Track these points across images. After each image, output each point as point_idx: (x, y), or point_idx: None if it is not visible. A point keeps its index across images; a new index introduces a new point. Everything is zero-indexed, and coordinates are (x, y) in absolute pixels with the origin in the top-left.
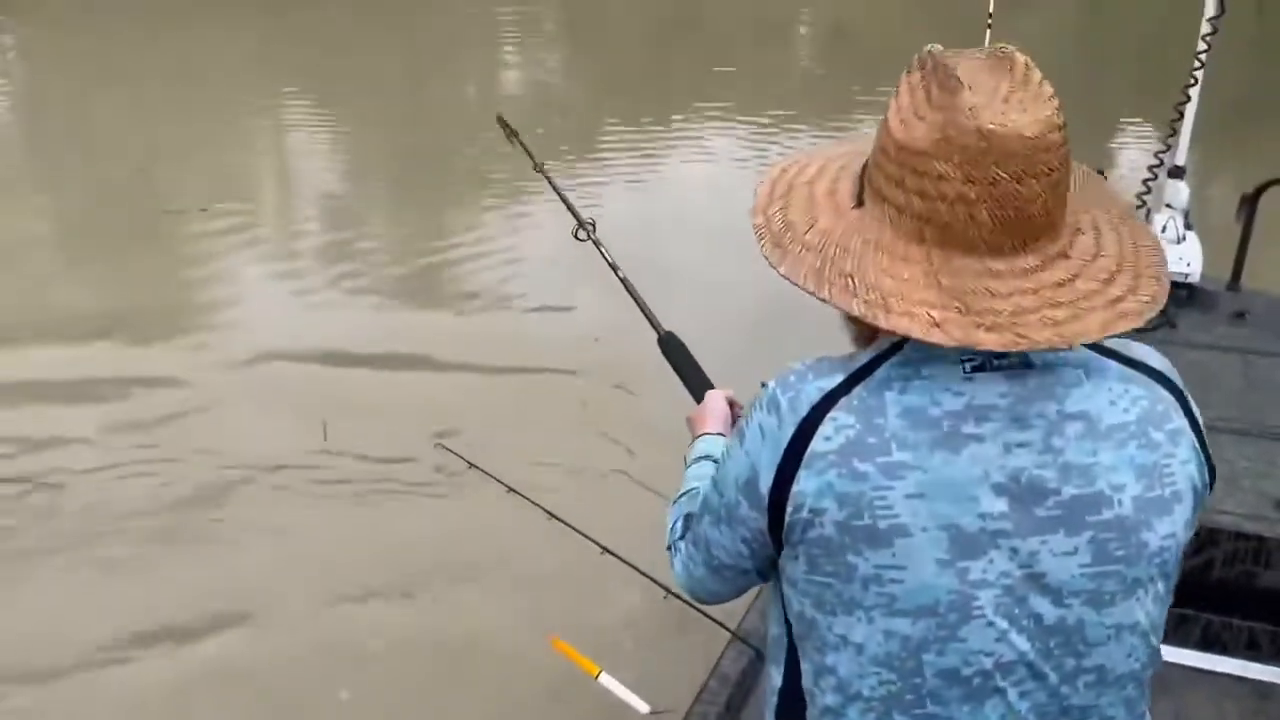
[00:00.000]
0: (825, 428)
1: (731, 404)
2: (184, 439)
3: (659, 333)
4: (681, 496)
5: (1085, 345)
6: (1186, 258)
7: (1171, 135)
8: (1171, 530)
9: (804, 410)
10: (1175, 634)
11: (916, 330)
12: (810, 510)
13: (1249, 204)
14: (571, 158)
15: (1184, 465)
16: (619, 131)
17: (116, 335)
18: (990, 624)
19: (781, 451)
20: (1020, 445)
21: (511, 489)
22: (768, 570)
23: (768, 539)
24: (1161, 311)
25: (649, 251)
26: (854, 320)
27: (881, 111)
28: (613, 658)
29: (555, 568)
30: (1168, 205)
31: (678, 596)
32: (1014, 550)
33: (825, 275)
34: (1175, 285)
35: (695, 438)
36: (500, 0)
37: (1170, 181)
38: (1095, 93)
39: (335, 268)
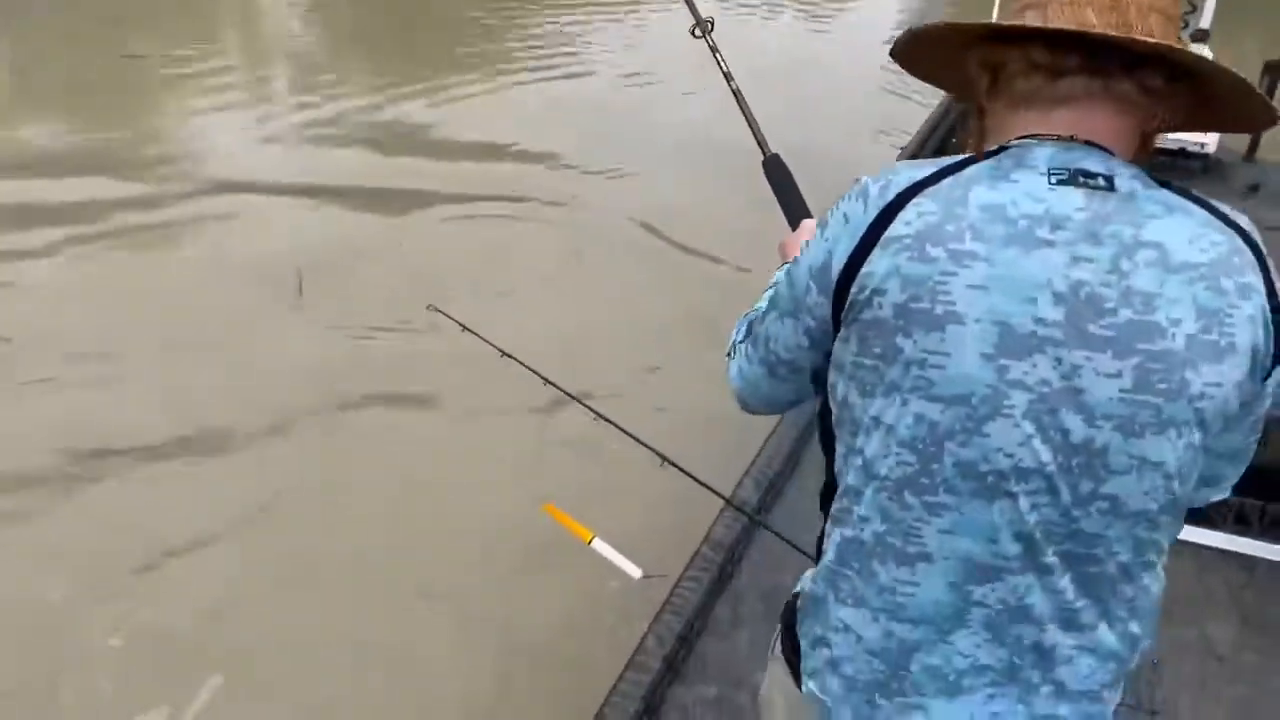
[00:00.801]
0: (907, 212)
1: None
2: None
3: (765, 153)
4: (748, 313)
5: (1174, 190)
6: None
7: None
8: (1218, 380)
9: (890, 196)
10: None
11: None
12: (873, 290)
13: (1271, 73)
14: None
15: (1248, 320)
16: None
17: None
18: (1017, 425)
19: (860, 235)
20: (1088, 260)
21: (506, 354)
22: (822, 368)
23: (829, 325)
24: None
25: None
26: (974, 130)
27: None
28: (606, 525)
29: (550, 436)
30: None
31: (673, 464)
32: (1058, 360)
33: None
34: (1190, 155)
35: (781, 265)
36: None
37: (1194, 46)
38: None
39: (305, 112)
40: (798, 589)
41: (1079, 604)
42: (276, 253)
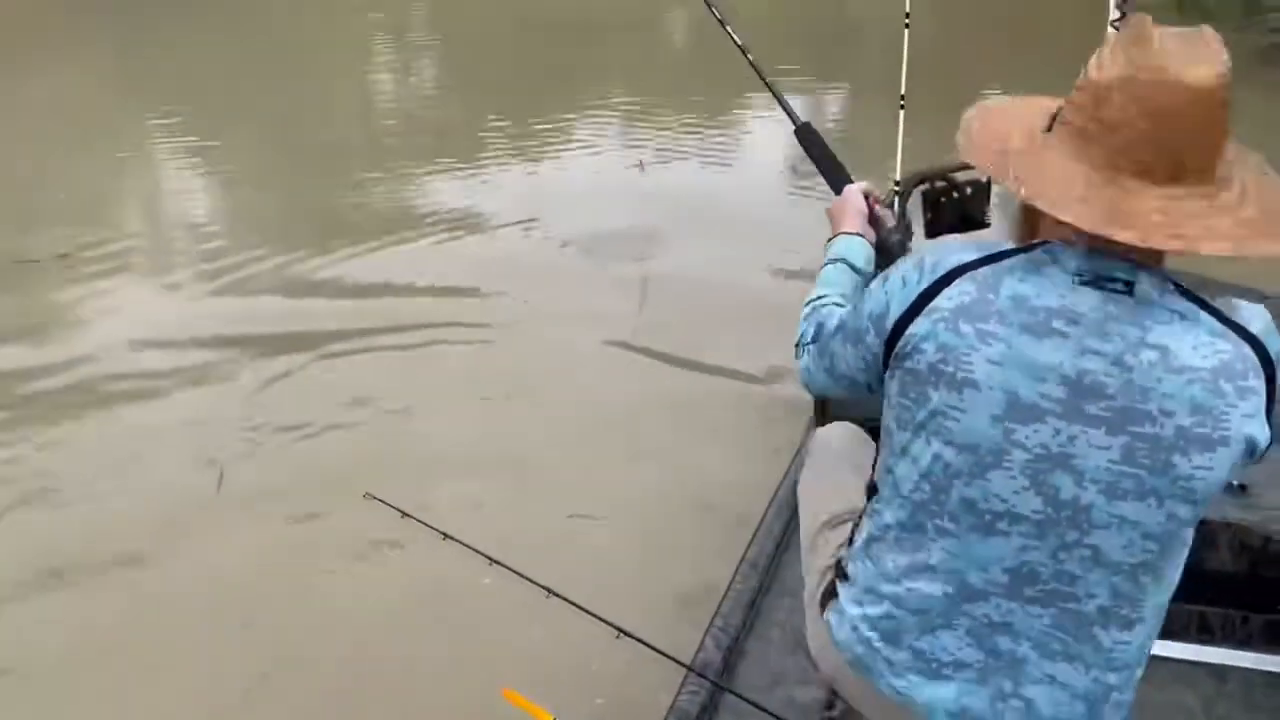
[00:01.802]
0: (951, 289)
1: (868, 196)
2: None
3: (795, 122)
4: (814, 302)
5: (1192, 300)
6: None
7: None
8: (1209, 465)
9: (940, 273)
10: None
11: (1065, 213)
12: (914, 347)
13: None
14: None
15: (1244, 418)
16: (500, 128)
17: None
18: (1014, 478)
19: (912, 300)
20: (1095, 353)
21: (448, 535)
22: (876, 385)
23: (880, 363)
24: None
25: None
26: (1019, 221)
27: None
28: (568, 704)
29: (501, 614)
30: None
31: (630, 635)
32: (1057, 430)
33: (1006, 168)
34: None
35: (833, 235)
36: (363, 7)
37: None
38: None
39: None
40: (838, 557)
41: (1057, 635)
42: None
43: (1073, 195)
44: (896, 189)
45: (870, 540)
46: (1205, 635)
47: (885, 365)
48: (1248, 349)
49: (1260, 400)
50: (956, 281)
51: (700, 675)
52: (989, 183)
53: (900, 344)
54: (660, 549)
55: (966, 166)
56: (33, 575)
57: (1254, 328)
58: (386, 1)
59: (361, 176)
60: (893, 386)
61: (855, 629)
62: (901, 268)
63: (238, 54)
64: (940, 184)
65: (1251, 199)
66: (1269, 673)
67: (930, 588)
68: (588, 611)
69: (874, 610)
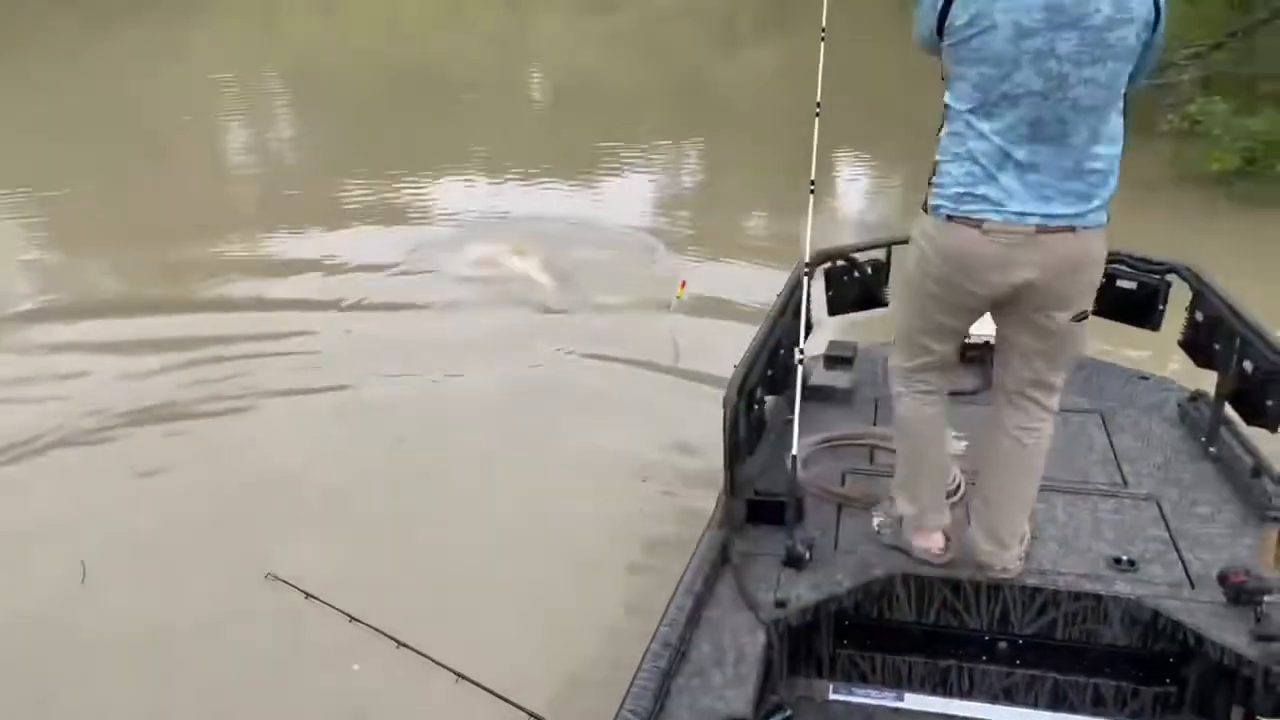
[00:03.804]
0: None
1: None
2: None
3: None
4: None
5: None
6: None
7: None
8: (1124, 35)
9: None
10: (1025, 695)
11: None
12: (954, 15)
13: None
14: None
15: (1140, 4)
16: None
17: None
18: (1025, 70)
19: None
20: None
21: (354, 618)
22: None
23: (936, 28)
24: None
25: None
26: None
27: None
28: None
29: (415, 703)
30: None
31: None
32: (1046, 38)
33: None
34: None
35: None
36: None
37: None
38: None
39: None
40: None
41: (1063, 163)
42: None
43: None
44: (807, 270)
45: (949, 134)
46: (1099, 707)
47: (940, 27)
48: None
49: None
50: None
51: None
52: (888, 261)
53: (949, 17)
54: (565, 628)
55: (868, 247)
56: None
57: None
58: (236, 62)
59: (199, 236)
60: (948, 44)
61: (953, 189)
62: None
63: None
64: (841, 263)
65: None
66: None
67: (993, 144)
68: (503, 698)
69: (960, 170)
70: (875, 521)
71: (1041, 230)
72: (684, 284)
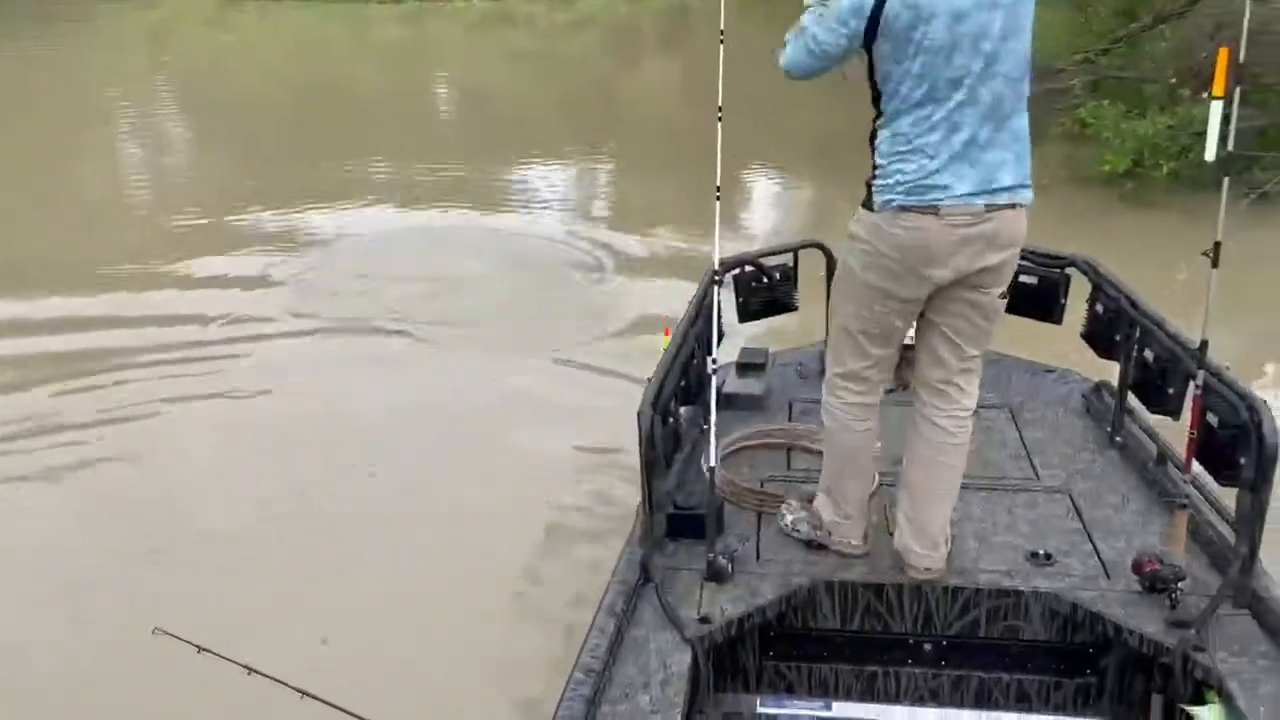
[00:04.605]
0: None
1: None
2: None
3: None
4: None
5: None
6: None
7: None
8: (1027, 10)
9: None
10: (951, 696)
11: None
12: (894, 16)
13: None
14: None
15: None
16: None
17: None
18: (965, 53)
19: None
20: None
21: (252, 670)
22: (847, 53)
23: (860, 39)
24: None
25: None
26: None
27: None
28: None
29: None
30: None
31: None
32: (979, 20)
33: None
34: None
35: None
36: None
37: None
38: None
39: None
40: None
41: (1000, 134)
42: None
43: None
44: (717, 277)
45: (890, 126)
46: (1024, 703)
47: (868, 37)
48: None
49: None
50: None
51: None
52: (795, 266)
53: (885, 16)
54: (487, 666)
55: (774, 253)
56: None
57: None
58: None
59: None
60: (884, 46)
61: (905, 183)
62: None
63: None
64: (750, 269)
65: None
66: None
67: (936, 135)
68: None
69: (910, 165)
70: (788, 520)
71: (990, 208)
72: (669, 331)
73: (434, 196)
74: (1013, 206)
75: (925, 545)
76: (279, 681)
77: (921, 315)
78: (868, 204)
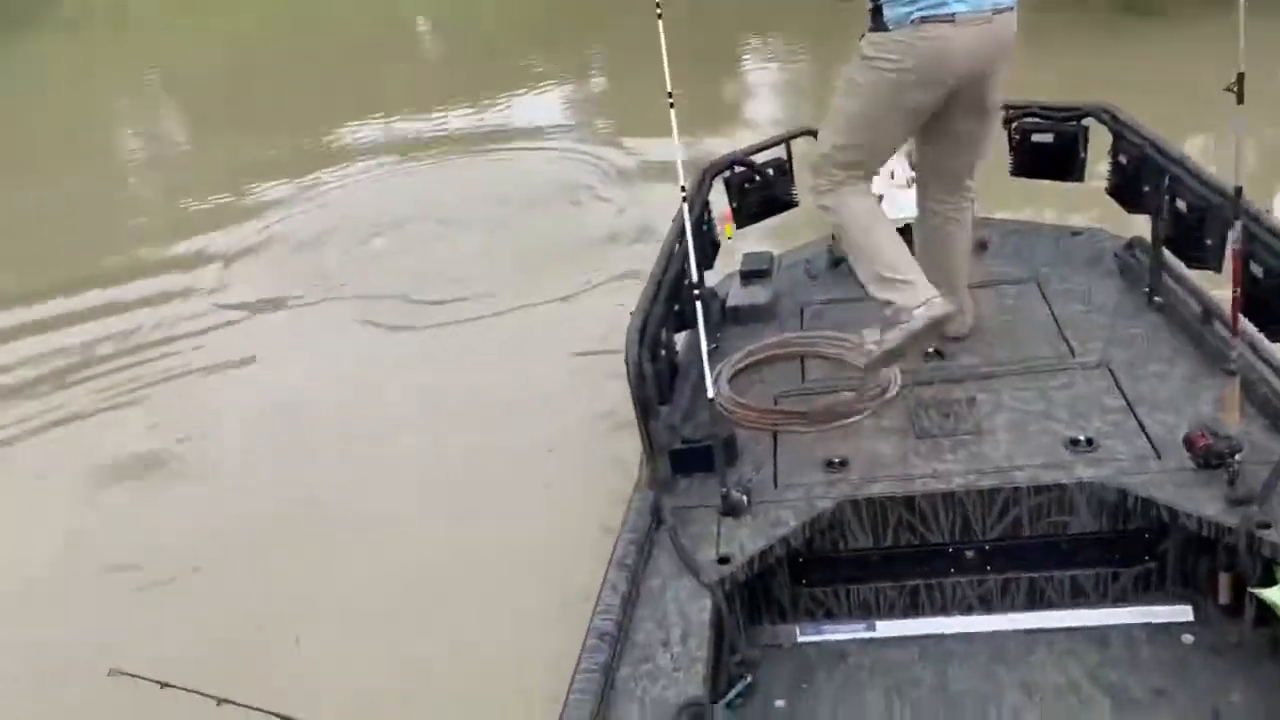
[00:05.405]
0: None
1: None
2: None
3: None
4: None
5: None
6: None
7: None
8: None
9: None
10: (1001, 600)
11: None
12: None
13: None
14: None
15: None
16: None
17: None
18: None
19: None
20: None
21: (224, 699)
22: None
23: None
24: None
25: None
26: None
27: None
28: None
29: None
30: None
31: None
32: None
33: None
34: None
35: None
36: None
37: None
38: None
39: None
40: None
41: None
42: None
43: None
44: (683, 193)
45: None
46: (1080, 598)
47: None
48: None
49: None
50: None
51: None
52: (789, 159)
53: None
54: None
55: (764, 148)
56: None
57: None
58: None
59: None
60: None
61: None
62: None
63: None
64: (740, 169)
65: None
66: (1148, 624)
67: None
68: None
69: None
70: (870, 346)
71: (996, 12)
72: (731, 223)
73: (431, 146)
74: (1011, 9)
75: (951, 301)
76: (253, 708)
77: (927, 124)
78: (878, 26)
